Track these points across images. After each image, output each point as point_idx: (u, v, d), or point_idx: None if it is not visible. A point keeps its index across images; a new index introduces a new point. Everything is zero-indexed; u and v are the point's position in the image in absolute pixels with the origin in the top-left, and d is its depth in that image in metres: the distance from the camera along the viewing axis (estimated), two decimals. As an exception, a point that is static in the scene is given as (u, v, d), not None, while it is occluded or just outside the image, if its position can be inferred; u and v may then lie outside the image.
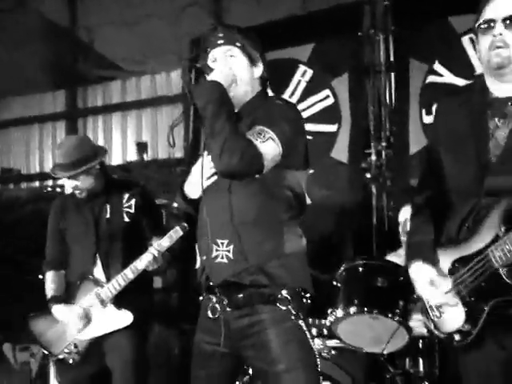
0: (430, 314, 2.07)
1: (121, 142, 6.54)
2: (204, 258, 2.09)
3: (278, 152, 1.99)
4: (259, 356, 2.01)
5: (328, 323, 3.11)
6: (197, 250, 2.20)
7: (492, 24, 1.97)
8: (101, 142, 6.64)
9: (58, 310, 3.06)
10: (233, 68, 2.09)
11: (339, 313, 3.05)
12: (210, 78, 2.03)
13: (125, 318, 2.99)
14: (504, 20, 1.96)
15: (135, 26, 6.24)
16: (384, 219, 4.52)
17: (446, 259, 2.03)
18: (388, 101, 4.77)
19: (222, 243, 2.04)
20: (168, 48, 6.04)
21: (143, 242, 3.04)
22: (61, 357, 3.03)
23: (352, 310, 3.01)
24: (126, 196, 3.11)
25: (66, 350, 3.02)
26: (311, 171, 4.78)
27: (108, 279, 3.01)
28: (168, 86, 6.17)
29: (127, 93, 6.49)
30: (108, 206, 3.10)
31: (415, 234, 2.13)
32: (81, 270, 3.09)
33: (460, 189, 2.03)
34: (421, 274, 2.05)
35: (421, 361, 3.22)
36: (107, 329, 3.00)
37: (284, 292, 2.02)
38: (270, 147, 1.97)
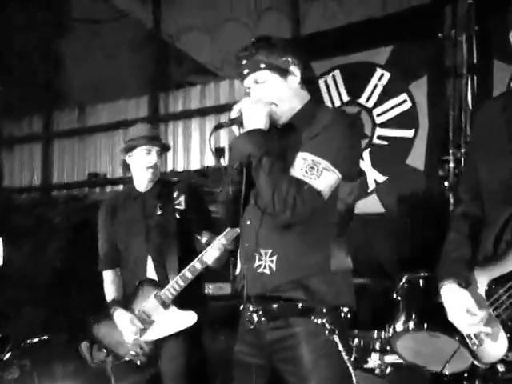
0: (469, 343, 1.97)
1: (199, 147, 6.72)
2: (246, 266, 2.09)
3: (336, 178, 1.98)
4: (292, 370, 2.02)
5: (386, 338, 3.08)
6: (238, 257, 2.21)
7: None
8: (180, 147, 6.86)
9: (118, 314, 3.08)
10: (266, 94, 2.09)
11: (397, 328, 3.01)
12: (245, 127, 2.03)
13: (189, 317, 2.98)
14: None
15: (214, 31, 6.39)
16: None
17: (482, 279, 1.92)
18: (470, 105, 4.63)
19: (266, 253, 2.03)
20: (247, 52, 6.14)
21: (193, 238, 3.07)
22: (127, 358, 3.05)
23: (410, 325, 2.96)
24: (176, 193, 3.14)
25: (132, 352, 3.04)
26: (385, 178, 4.78)
27: (160, 277, 3.04)
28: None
29: (206, 98, 6.66)
30: (158, 204, 3.13)
31: (449, 250, 2.03)
32: (134, 268, 3.11)
33: (494, 198, 1.93)
34: (454, 298, 1.95)
35: (491, 386, 3.10)
36: (172, 329, 3.00)
37: (320, 306, 2.00)
38: (326, 179, 1.96)
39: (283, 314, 2.02)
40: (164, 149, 3.26)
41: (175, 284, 2.98)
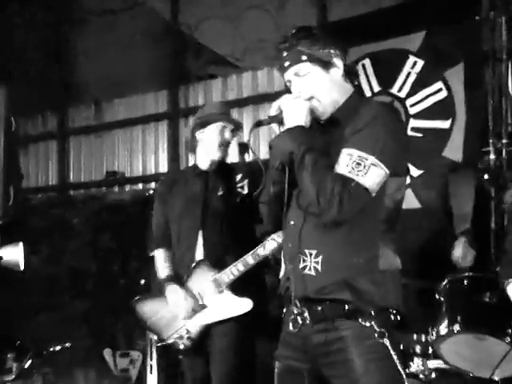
0: None
1: (222, 143, 6.69)
2: (290, 267, 2.11)
3: (384, 174, 1.98)
4: (340, 375, 2.03)
5: (429, 341, 3.05)
6: (282, 258, 2.23)
7: None
8: (202, 143, 6.84)
9: (173, 290, 3.09)
10: (307, 88, 2.11)
11: (441, 331, 2.98)
12: (286, 124, 2.06)
13: (244, 304, 3.00)
14: None
15: (234, 20, 6.36)
16: (504, 226, 4.31)
17: None
18: (511, 92, 4.56)
19: (311, 254, 2.05)
20: (270, 42, 6.10)
21: (250, 226, 3.07)
22: (170, 341, 3.07)
23: (455, 328, 2.92)
24: (239, 176, 3.17)
25: (176, 335, 3.05)
26: (421, 172, 4.72)
27: (208, 256, 3.06)
28: (269, 83, 6.25)
29: (228, 91, 6.64)
30: (221, 184, 3.15)
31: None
32: (185, 245, 3.13)
33: None
34: None
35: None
36: (224, 315, 3.01)
37: (368, 307, 2.01)
38: (374, 176, 1.96)
39: (329, 316, 2.03)
40: (237, 127, 3.27)
41: (234, 268, 3.00)
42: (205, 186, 3.18)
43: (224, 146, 3.16)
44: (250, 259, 2.98)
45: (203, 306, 3.05)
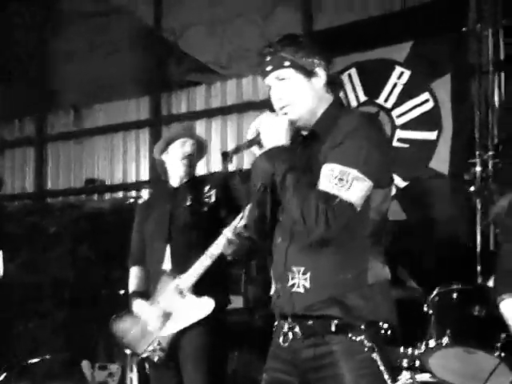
0: None
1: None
2: (279, 286, 2.13)
3: (368, 186, 1.97)
4: None
5: (417, 355, 3.06)
6: (271, 276, 2.24)
7: None
8: (185, 151, 6.81)
9: (137, 304, 3.25)
10: (286, 92, 2.11)
11: (430, 344, 2.99)
12: (265, 145, 2.04)
13: (206, 305, 3.10)
14: None
15: (220, 27, 6.38)
16: (490, 238, 4.36)
17: None
18: (497, 104, 4.62)
19: (298, 271, 2.05)
20: (255, 49, 6.12)
21: (220, 234, 3.11)
22: (145, 355, 3.18)
23: (444, 341, 2.94)
24: (207, 187, 3.29)
25: (149, 348, 3.15)
26: (407, 183, 4.76)
27: (176, 266, 3.18)
28: (254, 91, 6.26)
29: (212, 98, 6.63)
30: (189, 196, 3.27)
31: (505, 261, 2.03)
32: (154, 259, 3.27)
33: None
34: None
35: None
36: (189, 320, 3.11)
37: (358, 322, 2.01)
38: (357, 190, 1.94)
39: (319, 331, 2.03)
40: (199, 143, 3.40)
41: (193, 271, 3.10)
42: (173, 202, 3.32)
43: (186, 159, 3.28)
44: (205, 259, 3.07)
45: (169, 315, 3.13)
